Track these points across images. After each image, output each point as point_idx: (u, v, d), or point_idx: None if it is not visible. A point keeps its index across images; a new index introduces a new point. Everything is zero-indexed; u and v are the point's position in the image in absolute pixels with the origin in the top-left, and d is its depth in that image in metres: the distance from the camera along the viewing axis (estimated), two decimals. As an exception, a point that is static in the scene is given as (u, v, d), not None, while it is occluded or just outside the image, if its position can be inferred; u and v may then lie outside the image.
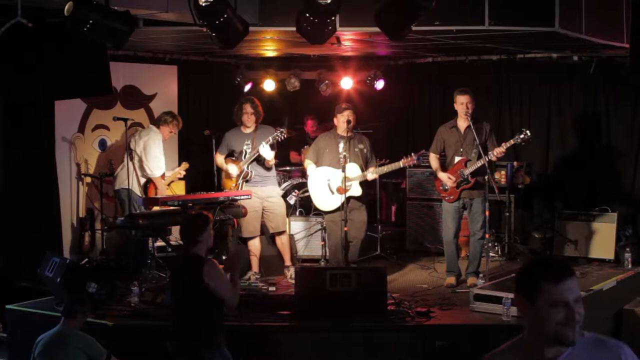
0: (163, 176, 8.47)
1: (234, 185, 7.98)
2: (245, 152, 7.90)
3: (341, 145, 7.72)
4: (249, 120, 7.93)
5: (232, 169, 7.97)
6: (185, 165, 9.03)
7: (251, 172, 7.88)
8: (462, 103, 7.50)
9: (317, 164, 7.89)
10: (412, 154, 7.59)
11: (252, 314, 6.30)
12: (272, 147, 7.83)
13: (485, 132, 7.56)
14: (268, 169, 7.96)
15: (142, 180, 8.32)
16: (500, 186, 8.65)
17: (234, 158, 8.06)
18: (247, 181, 7.91)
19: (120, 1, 6.00)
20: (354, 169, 7.61)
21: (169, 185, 8.84)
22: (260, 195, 7.93)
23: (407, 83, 10.71)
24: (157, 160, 8.24)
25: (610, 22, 7.79)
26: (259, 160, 7.88)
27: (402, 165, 7.67)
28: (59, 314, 5.50)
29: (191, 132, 9.87)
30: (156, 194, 8.22)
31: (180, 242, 8.21)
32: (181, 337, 4.93)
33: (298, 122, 10.63)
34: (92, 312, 6.29)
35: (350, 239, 7.73)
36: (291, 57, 10.05)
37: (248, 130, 7.98)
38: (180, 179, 9.17)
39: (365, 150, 7.77)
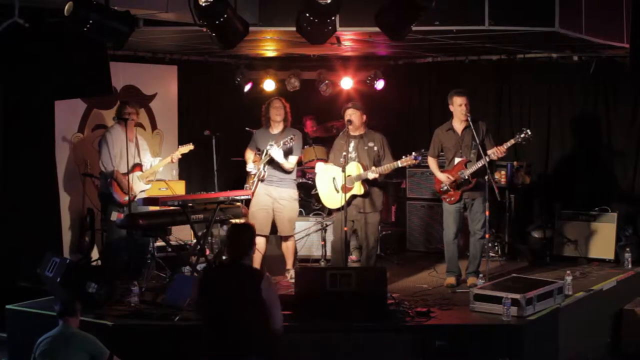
0: (139, 168, 8.33)
1: (251, 182, 7.96)
2: (266, 151, 7.87)
3: (352, 144, 7.71)
4: (278, 114, 7.87)
5: (250, 167, 7.96)
6: (184, 148, 8.40)
7: (265, 172, 7.83)
8: (460, 105, 7.48)
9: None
10: (413, 153, 7.55)
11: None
12: (288, 152, 7.75)
13: (482, 132, 7.54)
14: (287, 172, 7.89)
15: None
16: (500, 186, 8.65)
17: (260, 154, 8.04)
18: (261, 181, 7.88)
19: (120, 1, 6.00)
20: (354, 168, 7.59)
21: (150, 180, 8.54)
22: (274, 195, 7.89)
23: (407, 83, 10.71)
24: (104, 156, 8.13)
25: (610, 22, 7.79)
26: (275, 163, 7.82)
27: (400, 165, 7.61)
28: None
29: (191, 132, 9.86)
30: (122, 189, 8.06)
31: (180, 241, 8.29)
32: (229, 347, 4.86)
33: (298, 122, 10.62)
34: (92, 312, 6.31)
35: (359, 242, 7.70)
36: (291, 57, 10.05)
37: (275, 131, 7.92)
38: (182, 156, 8.53)
39: (376, 148, 7.71)
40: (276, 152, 7.71)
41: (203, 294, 5.03)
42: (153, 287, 7.35)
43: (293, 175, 8.04)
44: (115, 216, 8.08)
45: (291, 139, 7.72)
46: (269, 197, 7.87)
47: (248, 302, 4.86)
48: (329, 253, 8.51)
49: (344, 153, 7.54)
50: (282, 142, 7.71)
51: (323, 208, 8.99)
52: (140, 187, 8.26)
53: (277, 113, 7.89)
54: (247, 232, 5.10)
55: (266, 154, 7.81)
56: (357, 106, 7.86)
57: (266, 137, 7.94)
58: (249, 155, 8.10)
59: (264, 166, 7.82)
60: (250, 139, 8.21)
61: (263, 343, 4.88)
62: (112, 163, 8.07)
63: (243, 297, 4.87)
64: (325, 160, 8.60)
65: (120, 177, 8.05)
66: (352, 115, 7.71)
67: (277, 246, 8.31)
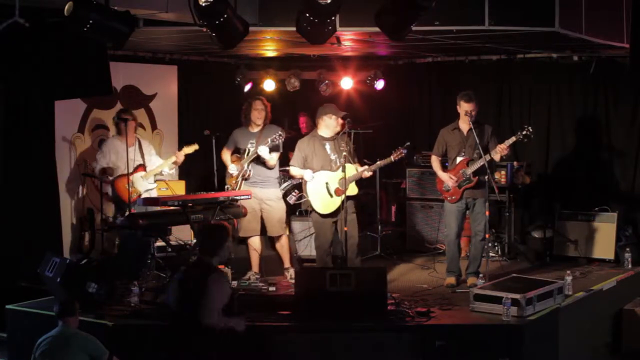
0: (142, 169, 8.35)
1: (233, 182, 7.97)
2: (249, 150, 7.90)
3: (327, 147, 7.70)
4: (259, 117, 7.91)
5: (232, 168, 7.98)
6: (189, 148, 8.45)
7: (250, 171, 7.87)
8: (466, 110, 7.49)
9: (304, 168, 7.81)
10: (399, 147, 7.60)
11: (252, 314, 6.29)
12: (273, 149, 7.81)
13: (487, 135, 7.58)
14: (269, 169, 7.94)
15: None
16: (500, 186, 8.64)
17: (239, 155, 8.05)
18: (245, 179, 7.91)
19: (120, 1, 6.00)
20: (349, 169, 7.58)
21: (157, 180, 8.65)
22: (259, 196, 7.92)
23: (407, 83, 10.70)
24: (97, 165, 8.29)
25: (610, 22, 7.79)
26: (260, 160, 7.87)
27: (392, 160, 7.65)
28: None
29: (191, 132, 9.87)
30: (124, 189, 8.14)
31: (180, 241, 8.29)
32: (187, 345, 4.93)
33: (296, 121, 10.63)
34: (92, 312, 6.31)
35: (347, 238, 7.71)
36: (291, 57, 10.05)
37: (255, 130, 7.97)
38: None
39: (348, 149, 7.73)
40: (264, 150, 7.73)
41: (173, 292, 5.17)
42: (153, 287, 7.35)
43: (275, 174, 8.07)
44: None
45: (280, 135, 7.76)
46: (255, 197, 7.89)
47: (196, 296, 4.93)
48: (315, 253, 8.41)
49: (344, 154, 7.53)
50: (269, 140, 7.74)
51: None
52: (144, 186, 8.28)
53: (259, 116, 7.94)
54: (217, 232, 5.10)
55: (249, 152, 7.84)
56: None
57: (246, 136, 7.97)
58: (226, 155, 8.12)
59: (248, 165, 7.84)
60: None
61: (218, 338, 4.94)
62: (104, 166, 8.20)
63: (197, 294, 4.93)
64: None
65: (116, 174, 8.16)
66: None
67: (272, 246, 8.31)
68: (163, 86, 9.95)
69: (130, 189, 8.08)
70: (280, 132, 7.84)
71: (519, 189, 9.28)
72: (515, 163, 9.20)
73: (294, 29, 6.42)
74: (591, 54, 9.12)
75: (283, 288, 7.59)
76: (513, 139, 7.46)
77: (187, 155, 8.48)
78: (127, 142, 8.11)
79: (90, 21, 5.56)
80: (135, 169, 8.23)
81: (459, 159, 7.62)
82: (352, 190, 7.61)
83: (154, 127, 9.88)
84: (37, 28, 5.82)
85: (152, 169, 8.40)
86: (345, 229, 7.51)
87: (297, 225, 8.98)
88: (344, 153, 7.53)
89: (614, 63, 9.06)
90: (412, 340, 6.08)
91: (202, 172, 9.86)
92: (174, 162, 8.40)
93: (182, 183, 9.53)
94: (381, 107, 10.42)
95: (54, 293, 6.82)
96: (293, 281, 7.01)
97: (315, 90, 10.44)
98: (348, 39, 8.15)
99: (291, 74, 10.37)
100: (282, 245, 8.08)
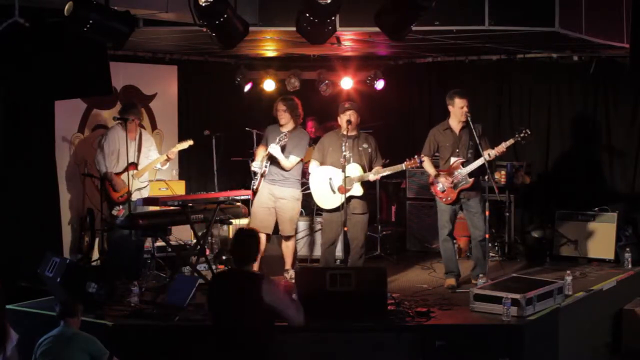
0: (133, 167, 8.30)
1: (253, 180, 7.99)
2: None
3: (344, 144, 7.71)
4: (282, 117, 7.89)
5: (255, 165, 7.96)
6: (182, 144, 8.47)
7: (266, 169, 7.84)
8: (461, 107, 7.46)
9: (322, 163, 7.87)
10: (416, 156, 7.54)
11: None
12: (289, 149, 7.78)
13: (477, 133, 7.51)
14: (286, 170, 7.86)
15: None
16: (500, 186, 8.65)
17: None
18: (263, 176, 7.88)
19: (120, 1, 6.01)
20: (355, 169, 7.60)
21: (151, 180, 8.67)
22: (276, 194, 7.88)
23: (407, 83, 10.71)
24: (97, 158, 8.26)
25: (610, 22, 7.80)
26: (275, 161, 7.82)
27: (404, 168, 7.62)
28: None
29: (191, 132, 9.87)
30: (113, 189, 8.16)
31: (180, 241, 8.30)
32: (231, 353, 4.84)
33: (304, 126, 10.61)
34: (92, 312, 6.31)
35: (349, 240, 7.72)
36: (291, 57, 10.06)
37: (285, 129, 7.92)
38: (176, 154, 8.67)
39: (369, 150, 7.74)
40: (274, 149, 7.72)
41: (209, 301, 5.05)
42: (153, 287, 7.35)
43: (297, 175, 8.02)
44: (116, 211, 8.11)
45: (285, 135, 7.75)
46: (272, 196, 7.87)
47: (249, 308, 4.79)
48: (320, 251, 8.44)
49: (344, 154, 7.54)
50: (277, 139, 7.74)
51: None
52: (135, 185, 8.26)
53: (282, 116, 7.92)
54: (256, 240, 5.01)
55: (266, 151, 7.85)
56: (356, 107, 7.86)
57: (276, 133, 7.94)
58: (260, 151, 8.08)
59: (265, 163, 7.84)
60: (253, 137, 8.23)
61: (263, 348, 4.84)
62: (105, 165, 8.17)
63: (243, 303, 4.81)
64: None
65: (112, 176, 8.13)
66: (352, 115, 7.71)
67: (278, 246, 8.31)
68: (163, 86, 9.96)
69: (120, 188, 8.10)
70: (286, 132, 7.77)
71: (519, 189, 9.28)
72: (515, 163, 9.20)
73: (294, 29, 6.43)
74: (591, 54, 9.12)
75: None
76: (511, 141, 7.43)
77: (184, 151, 8.44)
78: (127, 137, 8.07)
79: (90, 21, 5.57)
80: (126, 168, 8.20)
81: (452, 160, 7.57)
82: (358, 190, 7.61)
83: (154, 127, 9.88)
84: (37, 28, 5.82)
85: (144, 166, 8.35)
86: (345, 228, 7.52)
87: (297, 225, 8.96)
88: (344, 153, 7.53)
89: (614, 63, 9.07)
90: (412, 340, 6.08)
91: (202, 172, 9.86)
92: (166, 160, 8.37)
93: (182, 183, 9.53)
94: (381, 107, 10.41)
95: (54, 293, 6.82)
96: (293, 281, 7.01)
97: (315, 90, 10.45)
98: (348, 39, 8.15)
99: (291, 74, 10.38)
100: (288, 247, 8.06)
